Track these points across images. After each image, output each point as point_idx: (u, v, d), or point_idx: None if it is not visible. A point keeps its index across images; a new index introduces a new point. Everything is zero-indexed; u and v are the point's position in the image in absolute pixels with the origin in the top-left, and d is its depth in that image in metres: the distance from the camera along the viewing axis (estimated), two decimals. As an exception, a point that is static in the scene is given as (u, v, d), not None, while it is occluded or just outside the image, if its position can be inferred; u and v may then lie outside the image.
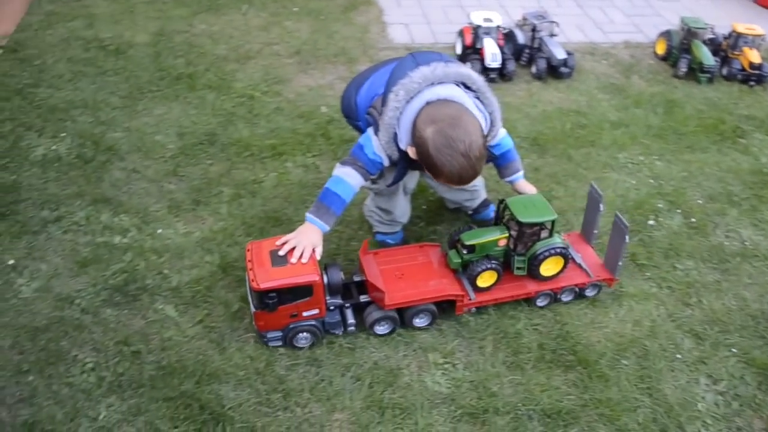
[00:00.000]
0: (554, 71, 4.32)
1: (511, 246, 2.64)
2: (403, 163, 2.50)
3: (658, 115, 4.01)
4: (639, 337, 2.62)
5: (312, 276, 2.35)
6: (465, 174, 2.30)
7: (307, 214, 2.51)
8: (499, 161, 2.82)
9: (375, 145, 2.45)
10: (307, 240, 2.44)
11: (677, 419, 2.34)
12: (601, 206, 2.70)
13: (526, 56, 4.41)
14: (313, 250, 2.42)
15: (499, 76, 4.26)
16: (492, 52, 4.19)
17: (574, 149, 3.65)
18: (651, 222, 3.17)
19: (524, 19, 4.49)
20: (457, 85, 2.43)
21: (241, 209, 3.08)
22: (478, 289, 2.63)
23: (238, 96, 3.89)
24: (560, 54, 4.28)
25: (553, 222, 2.61)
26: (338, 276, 2.51)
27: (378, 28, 4.83)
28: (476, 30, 4.31)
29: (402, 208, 2.91)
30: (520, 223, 2.56)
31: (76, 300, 2.63)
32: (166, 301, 2.65)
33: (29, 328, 2.53)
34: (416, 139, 2.31)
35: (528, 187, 2.85)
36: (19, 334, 2.51)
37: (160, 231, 2.96)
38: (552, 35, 4.43)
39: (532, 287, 2.67)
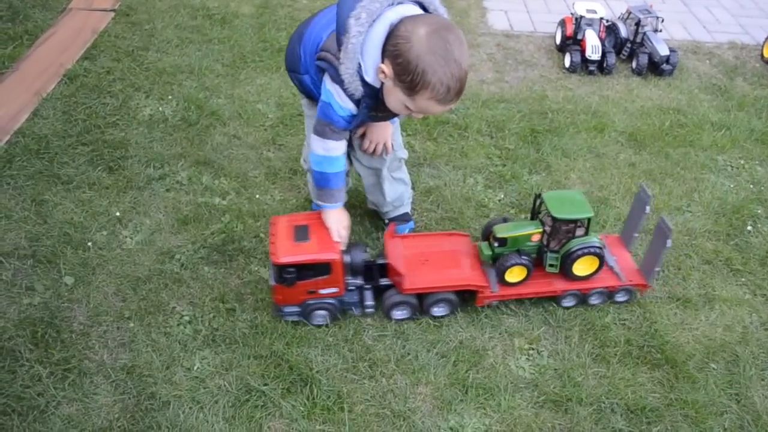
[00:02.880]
0: (655, 68, 4.23)
1: (545, 242, 2.58)
2: (366, 102, 2.23)
3: (761, 120, 3.88)
4: (730, 342, 2.57)
5: (332, 254, 2.36)
6: (453, 86, 2.03)
7: (319, 204, 2.46)
8: None
9: (339, 96, 2.22)
10: (339, 221, 2.43)
11: (765, 428, 2.29)
12: (647, 208, 2.60)
13: (627, 50, 4.32)
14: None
15: (598, 69, 4.19)
16: (593, 44, 4.13)
17: (672, 148, 3.58)
18: (749, 228, 3.09)
19: (628, 12, 4.40)
20: (415, 5, 2.17)
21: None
22: (506, 284, 2.57)
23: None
24: (663, 50, 4.18)
25: (589, 220, 2.53)
26: (360, 256, 2.50)
27: (478, 14, 4.82)
28: (578, 20, 4.25)
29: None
30: (554, 219, 2.49)
31: (176, 255, 2.75)
32: (261, 264, 2.73)
33: (132, 277, 2.66)
34: (401, 47, 2.01)
35: (383, 130, 2.60)
36: (122, 282, 2.64)
37: (257, 196, 3.05)
38: (656, 31, 4.33)
39: (559, 286, 2.60)
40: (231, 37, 4.25)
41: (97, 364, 2.36)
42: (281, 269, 2.34)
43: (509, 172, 3.29)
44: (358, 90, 2.17)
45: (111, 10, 4.43)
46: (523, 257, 2.53)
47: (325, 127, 2.30)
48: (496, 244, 2.56)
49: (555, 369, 2.43)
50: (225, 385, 2.30)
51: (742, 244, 3.00)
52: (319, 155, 2.36)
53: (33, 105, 3.51)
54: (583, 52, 4.17)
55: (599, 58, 4.14)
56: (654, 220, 2.73)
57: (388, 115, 2.38)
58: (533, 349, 2.50)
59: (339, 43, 2.12)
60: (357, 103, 2.23)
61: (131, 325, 2.49)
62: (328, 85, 2.24)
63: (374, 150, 2.63)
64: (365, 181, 2.84)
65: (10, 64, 3.83)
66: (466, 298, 2.58)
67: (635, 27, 4.30)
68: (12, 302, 2.54)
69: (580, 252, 2.52)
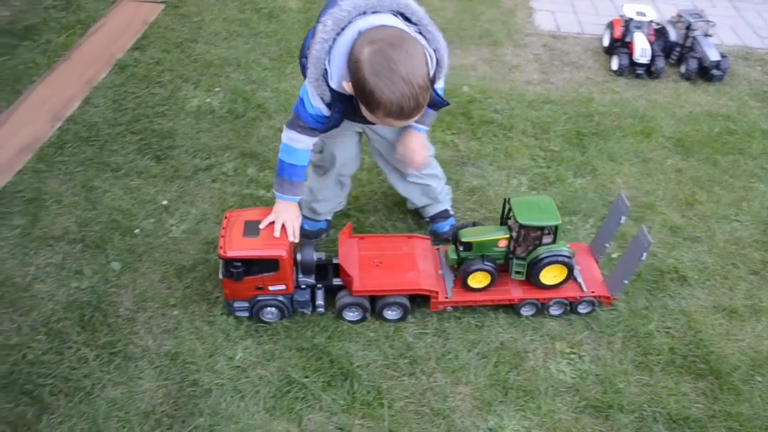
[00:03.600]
0: (705, 73, 4.15)
1: (511, 248, 2.52)
2: (338, 107, 2.19)
3: (814, 130, 3.80)
4: (777, 355, 2.52)
5: (279, 250, 2.34)
6: (406, 104, 1.97)
7: (275, 192, 2.43)
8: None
9: (311, 95, 2.20)
10: (287, 214, 2.41)
11: (811, 444, 2.25)
12: (623, 219, 2.54)
13: (677, 54, 4.26)
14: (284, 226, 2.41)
15: (646, 72, 4.13)
16: (642, 47, 4.07)
17: (721, 155, 3.52)
18: (798, 240, 3.03)
19: (679, 16, 4.33)
20: (395, 15, 2.12)
21: (380, 178, 3.14)
22: (470, 289, 2.53)
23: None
24: (714, 55, 4.11)
25: (556, 227, 2.46)
26: (311, 255, 2.47)
27: (524, 13, 4.78)
28: (627, 23, 4.20)
29: (323, 192, 2.76)
30: (520, 225, 2.43)
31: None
32: (305, 257, 2.75)
33: (177, 266, 2.70)
34: (351, 66, 2.01)
35: (414, 141, 2.52)
36: (167, 270, 2.68)
37: (302, 190, 3.07)
38: (706, 35, 4.26)
39: (516, 294, 2.54)
40: (278, 31, 4.29)
41: (141, 349, 2.40)
42: (228, 263, 2.34)
43: (554, 175, 3.27)
44: (326, 95, 2.16)
45: (161, 2, 4.49)
46: (486, 263, 2.48)
47: (295, 120, 2.30)
48: (461, 249, 2.52)
49: (596, 374, 2.41)
50: (266, 376, 2.33)
51: (791, 256, 2.94)
52: (283, 143, 2.36)
53: (84, 93, 3.58)
54: (631, 54, 4.12)
55: (648, 62, 4.09)
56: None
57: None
58: (575, 353, 2.48)
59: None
60: (329, 105, 2.21)
61: (175, 312, 2.53)
62: (306, 82, 2.23)
63: (418, 160, 2.56)
64: (390, 176, 2.81)
65: (62, 52, 3.91)
66: (419, 302, 2.54)
67: (685, 31, 4.23)
68: (61, 285, 2.59)
69: (547, 260, 2.47)
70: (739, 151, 3.56)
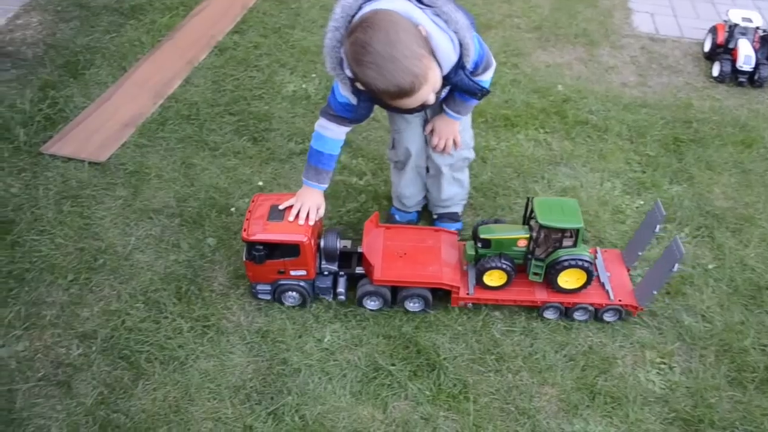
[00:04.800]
0: (812, 84, 3.99)
1: (530, 249, 2.46)
2: (365, 95, 2.15)
3: None
4: None
5: (301, 236, 2.34)
6: (401, 80, 1.92)
7: (303, 178, 2.45)
8: (458, 93, 2.38)
9: (339, 83, 2.22)
10: (311, 201, 2.41)
11: None
12: (658, 228, 2.45)
13: (783, 64, 4.10)
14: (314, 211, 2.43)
15: (748, 80, 3.99)
16: (746, 54, 3.93)
17: (826, 171, 3.37)
18: None
19: (788, 24, 4.17)
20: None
21: (472, 173, 3.12)
22: (485, 287, 2.48)
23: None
24: (823, 66, 3.94)
25: (578, 231, 2.39)
26: (334, 243, 2.47)
27: (622, 14, 4.67)
28: (732, 28, 4.06)
29: (408, 187, 2.75)
30: (541, 226, 2.37)
31: (312, 229, 2.82)
32: (395, 246, 2.77)
33: (269, 246, 2.75)
34: (349, 66, 2.02)
35: (449, 127, 2.51)
36: (260, 249, 2.73)
37: (393, 179, 3.09)
38: (816, 45, 4.08)
39: (540, 296, 2.49)
40: (374, 21, 4.30)
41: (234, 324, 2.46)
42: (251, 246, 2.37)
43: (649, 180, 3.19)
44: (346, 83, 2.14)
45: (260, -13, 4.57)
46: (503, 261, 2.43)
47: (326, 107, 2.33)
48: (479, 245, 2.48)
49: (687, 387, 2.35)
50: (354, 360, 2.36)
51: None
52: (315, 130, 2.38)
53: (185, 73, 3.69)
54: (734, 61, 3.98)
55: (751, 70, 3.95)
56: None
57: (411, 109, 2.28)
58: (665, 363, 2.42)
59: None
60: (356, 94, 2.19)
61: (268, 291, 2.58)
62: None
63: (444, 147, 2.57)
64: (431, 174, 2.78)
65: (166, 32, 4.03)
66: (440, 296, 2.51)
67: (794, 40, 4.07)
68: (159, 257, 2.69)
69: (566, 263, 2.41)
70: None
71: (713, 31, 4.20)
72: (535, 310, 2.53)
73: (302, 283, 2.48)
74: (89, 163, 3.08)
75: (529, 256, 2.47)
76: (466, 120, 2.62)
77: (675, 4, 4.91)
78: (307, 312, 2.51)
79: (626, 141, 3.46)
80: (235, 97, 3.53)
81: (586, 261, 2.41)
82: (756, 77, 3.98)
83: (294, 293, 2.50)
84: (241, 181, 3.03)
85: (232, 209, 2.89)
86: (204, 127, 3.32)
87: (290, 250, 2.38)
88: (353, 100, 2.22)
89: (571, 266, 2.41)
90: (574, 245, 2.42)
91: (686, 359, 2.44)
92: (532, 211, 2.44)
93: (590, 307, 2.49)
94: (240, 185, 3.01)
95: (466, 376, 2.33)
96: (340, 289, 2.51)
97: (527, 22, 4.47)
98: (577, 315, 2.52)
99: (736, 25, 4.05)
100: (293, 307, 2.52)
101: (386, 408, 2.24)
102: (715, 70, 4.04)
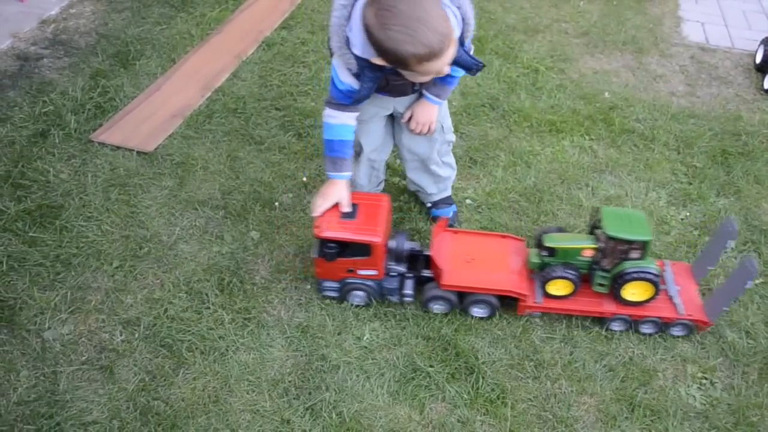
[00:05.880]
0: None
1: (596, 259, 2.42)
2: (368, 75, 2.14)
3: None
4: None
5: (374, 236, 2.33)
6: (431, 40, 1.90)
7: (327, 173, 2.42)
8: (439, 79, 2.33)
9: (339, 70, 2.19)
10: (334, 195, 2.40)
11: None
12: (731, 244, 2.40)
13: (836, 79, 4.01)
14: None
15: (800, 95, 3.92)
16: (800, 68, 3.86)
17: None
18: None
19: (844, 37, 4.07)
20: None
21: (515, 177, 3.13)
22: (548, 296, 2.46)
23: (523, 67, 3.92)
24: None
25: (646, 243, 2.34)
26: (404, 244, 2.46)
27: (672, 22, 4.61)
28: (786, 41, 3.99)
29: (360, 178, 2.72)
30: (608, 237, 2.33)
31: (354, 227, 2.83)
32: (435, 248, 2.77)
33: (311, 241, 2.76)
34: (368, 36, 1.96)
35: (428, 112, 2.48)
36: (302, 245, 2.76)
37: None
38: None
39: (609, 308, 2.45)
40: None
41: (274, 318, 2.48)
42: (323, 243, 2.36)
43: (695, 192, 3.15)
44: (352, 64, 2.11)
45: (309, -16, 4.60)
46: (568, 271, 2.40)
47: (329, 98, 2.31)
48: (544, 253, 2.45)
49: (729, 404, 2.32)
50: (392, 360, 2.36)
51: None
52: (324, 121, 2.36)
53: (233, 66, 3.72)
54: (787, 75, 3.91)
55: (804, 84, 3.87)
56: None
57: (405, 85, 2.30)
58: (707, 379, 2.39)
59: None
60: (357, 77, 2.17)
61: (308, 287, 2.60)
62: (333, 59, 2.21)
63: (424, 131, 2.55)
64: (410, 165, 2.76)
65: (215, 26, 4.07)
66: (507, 303, 2.49)
67: None
68: (203, 248, 2.72)
69: (633, 276, 2.37)
70: None
71: (766, 42, 4.12)
72: (576, 318, 2.51)
73: (370, 283, 2.48)
74: (137, 152, 3.13)
75: (595, 267, 2.45)
76: (445, 105, 2.61)
77: (726, 14, 4.83)
78: (347, 309, 2.52)
79: (673, 151, 3.41)
80: (282, 92, 3.56)
81: (653, 274, 2.37)
82: (808, 91, 3.90)
83: (361, 292, 2.50)
84: (285, 176, 3.05)
85: (276, 204, 2.91)
86: (250, 121, 3.35)
87: (362, 249, 2.38)
88: (355, 85, 2.20)
89: (637, 279, 2.38)
90: (641, 257, 2.39)
91: (728, 375, 2.41)
92: (599, 221, 2.42)
93: (659, 321, 2.47)
94: (284, 180, 3.03)
95: (504, 382, 2.32)
96: (408, 290, 2.50)
97: (575, 27, 4.43)
98: (645, 328, 2.49)
99: (789, 37, 3.98)
100: (334, 303, 2.53)
101: (423, 409, 2.24)
102: (767, 83, 3.97)
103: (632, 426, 2.23)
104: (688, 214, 3.04)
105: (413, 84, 2.36)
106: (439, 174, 2.78)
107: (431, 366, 2.35)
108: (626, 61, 4.14)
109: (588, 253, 2.42)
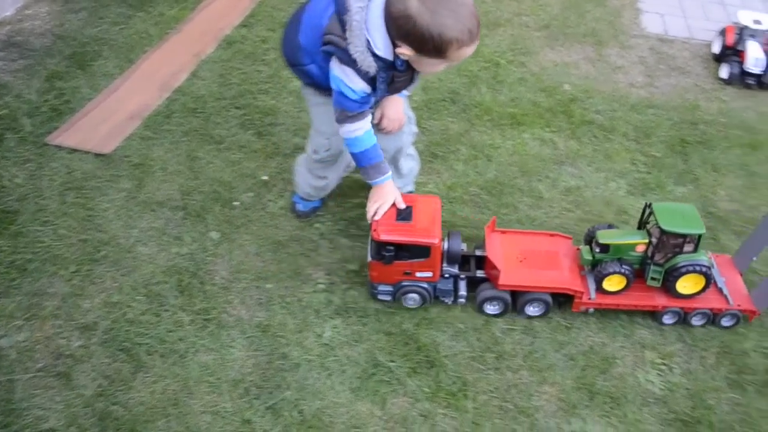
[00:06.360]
0: (821, 87, 3.96)
1: (649, 254, 2.47)
2: (382, 76, 2.17)
3: None
4: None
5: (432, 239, 2.33)
6: (473, 24, 1.99)
7: (369, 182, 2.41)
8: None
9: (350, 78, 2.16)
10: (387, 196, 2.40)
11: None
12: None
13: (791, 67, 4.07)
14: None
15: (757, 83, 3.97)
16: (755, 56, 3.91)
17: (834, 174, 3.36)
18: None
19: (798, 26, 4.13)
20: None
21: (476, 170, 3.13)
22: (603, 291, 2.49)
23: (484, 60, 3.93)
24: (832, 70, 3.91)
25: (699, 236, 2.40)
26: (458, 245, 2.47)
27: (631, 14, 4.65)
28: (741, 30, 4.04)
29: (334, 180, 2.79)
30: (662, 231, 2.38)
31: (315, 224, 2.83)
32: (397, 243, 2.77)
33: (272, 240, 2.76)
34: (404, 25, 1.99)
35: (398, 107, 2.54)
36: (263, 244, 2.75)
37: (396, 176, 3.09)
38: (826, 48, 4.05)
39: (660, 301, 2.49)
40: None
41: (235, 318, 2.47)
42: (380, 246, 2.35)
43: (654, 181, 3.18)
44: (372, 66, 2.11)
45: (269, -19, 4.57)
46: (624, 266, 2.43)
47: (341, 114, 2.26)
48: (597, 250, 2.48)
49: (687, 388, 2.35)
50: (353, 356, 2.36)
51: None
52: (348, 138, 2.33)
53: (192, 66, 3.69)
54: (742, 63, 3.96)
55: (761, 72, 3.92)
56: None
57: (405, 81, 2.30)
58: (665, 364, 2.42)
59: (342, 24, 2.07)
60: (371, 80, 2.17)
61: (269, 286, 2.59)
62: (335, 70, 2.18)
63: (396, 128, 2.57)
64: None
65: (174, 25, 4.03)
66: (561, 301, 2.52)
67: (804, 42, 4.04)
68: (162, 250, 2.69)
69: (686, 269, 2.41)
70: None
71: (723, 33, 4.17)
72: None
73: (425, 285, 2.47)
74: (94, 154, 3.08)
75: (648, 261, 2.48)
76: (407, 99, 2.64)
77: (685, 5, 4.88)
78: (308, 307, 2.51)
79: (632, 141, 3.44)
80: (242, 90, 3.53)
81: (706, 266, 2.41)
82: (764, 79, 3.95)
83: (415, 295, 2.49)
84: (245, 175, 3.03)
85: (236, 203, 2.89)
86: (210, 120, 3.32)
87: (420, 251, 2.37)
88: (368, 89, 2.20)
89: (691, 272, 2.41)
90: (695, 251, 2.43)
91: (686, 360, 2.44)
92: (648, 216, 2.46)
93: (709, 312, 2.50)
94: (244, 179, 3.01)
95: (465, 374, 2.33)
96: (462, 292, 2.51)
97: (536, 20, 4.45)
98: (695, 320, 2.52)
99: (746, 27, 4.03)
100: (294, 301, 2.52)
101: (385, 404, 2.24)
102: (724, 72, 4.02)
103: (592, 413, 2.25)
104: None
105: (411, 80, 2.33)
106: (406, 164, 2.79)
107: (392, 361, 2.35)
108: (586, 53, 4.17)
109: (641, 249, 2.47)
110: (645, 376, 2.38)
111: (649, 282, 2.50)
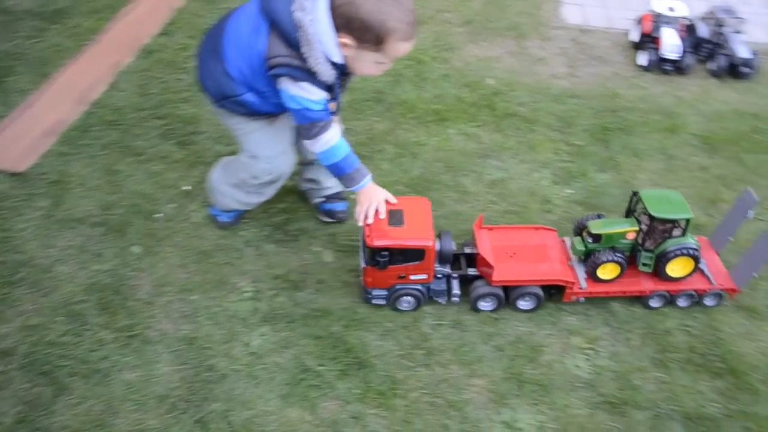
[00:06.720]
0: (734, 70, 4.08)
1: (640, 241, 2.54)
2: (338, 82, 2.22)
3: None
4: (798, 357, 2.48)
5: (426, 241, 2.34)
6: (412, 18, 2.08)
7: (353, 189, 2.40)
8: None
9: (309, 92, 2.16)
10: (376, 197, 2.39)
11: (831, 448, 2.22)
12: (751, 213, 2.54)
13: (706, 51, 4.18)
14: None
15: (674, 68, 4.07)
16: (672, 43, 4.00)
17: (748, 153, 3.46)
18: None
19: (710, 12, 4.26)
20: None
21: (402, 168, 3.14)
22: (597, 280, 2.55)
23: (407, 58, 3.92)
24: (744, 52, 4.03)
25: (687, 221, 2.48)
26: (450, 245, 2.49)
27: (551, 6, 4.72)
28: (657, 18, 4.14)
29: (270, 195, 2.69)
30: (651, 218, 2.45)
31: (240, 232, 2.80)
32: (324, 246, 2.76)
33: (197, 251, 2.71)
34: (348, 13, 2.02)
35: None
36: (187, 255, 2.70)
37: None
38: (737, 32, 4.18)
39: (647, 286, 2.56)
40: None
41: (159, 333, 2.42)
42: (374, 252, 2.34)
43: (577, 169, 3.24)
44: (331, 75, 2.14)
45: (188, -12, 4.50)
46: (617, 254, 2.50)
47: (312, 129, 2.25)
48: (589, 240, 2.54)
49: (613, 371, 2.39)
50: (282, 363, 2.34)
51: (817, 258, 2.88)
52: (324, 151, 2.31)
53: (110, 77, 3.61)
54: (658, 50, 4.06)
55: (677, 58, 4.02)
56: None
57: (346, 84, 2.36)
58: (592, 348, 2.46)
59: (291, 42, 2.08)
60: (329, 88, 2.19)
61: (194, 297, 2.55)
62: (291, 90, 2.17)
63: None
64: (313, 162, 2.74)
65: (91, 36, 3.93)
66: (552, 293, 2.56)
67: (716, 27, 4.16)
68: (82, 267, 2.62)
69: (676, 252, 2.49)
70: (767, 150, 3.49)
71: (639, 21, 4.27)
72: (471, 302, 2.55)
73: (419, 287, 2.47)
74: (9, 173, 2.99)
75: (639, 248, 2.55)
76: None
77: (604, -5, 4.98)
78: (234, 317, 2.48)
79: (555, 132, 3.50)
80: (162, 100, 3.47)
81: (695, 249, 2.49)
82: (681, 65, 4.05)
83: (410, 298, 2.49)
84: (167, 186, 2.98)
85: (158, 215, 2.84)
86: (129, 132, 3.25)
87: (414, 254, 2.36)
88: (328, 96, 2.21)
89: (681, 255, 2.49)
90: (683, 234, 2.51)
91: (612, 343, 2.48)
92: (636, 204, 2.54)
93: (694, 293, 2.58)
94: (166, 190, 2.96)
95: (395, 373, 2.33)
96: (456, 291, 2.52)
97: (459, 16, 4.48)
98: (680, 301, 2.60)
99: (661, 14, 4.13)
100: (220, 311, 2.49)
101: (315, 409, 2.22)
102: (642, 59, 4.12)
103: (522, 402, 2.28)
104: (571, 191, 3.12)
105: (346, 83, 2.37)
106: None
107: (322, 365, 2.34)
108: (508, 46, 4.22)
109: (631, 236, 2.53)
110: (572, 362, 2.41)
111: (641, 267, 2.58)
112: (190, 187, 2.98)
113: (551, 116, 3.59)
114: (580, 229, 2.63)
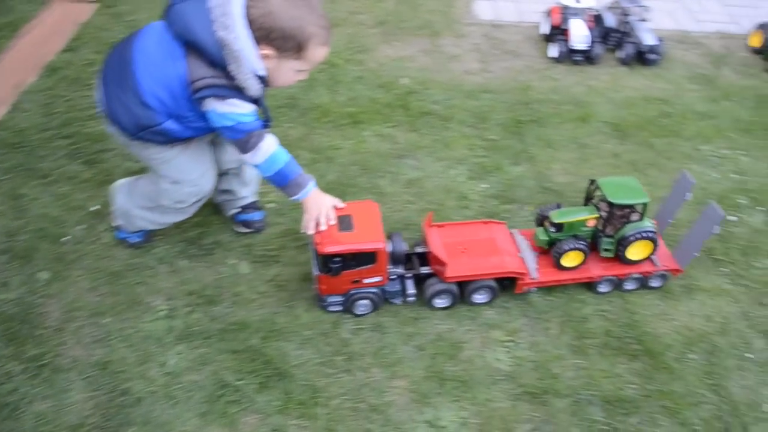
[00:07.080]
0: (642, 57, 4.20)
1: (600, 227, 2.61)
2: (263, 92, 2.22)
3: (747, 110, 3.86)
4: (709, 333, 2.56)
5: (377, 243, 2.35)
6: (327, 23, 2.13)
7: (296, 198, 2.37)
8: None
9: (238, 106, 2.15)
10: (323, 204, 2.38)
11: (742, 419, 2.29)
12: (689, 195, 2.62)
13: (614, 40, 4.29)
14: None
15: (584, 58, 4.16)
16: (581, 34, 4.09)
17: (657, 138, 3.55)
18: (732, 218, 3.07)
19: (616, 2, 4.36)
20: None
21: (318, 173, 3.09)
22: (562, 268, 2.60)
23: (321, 63, 3.91)
24: (649, 40, 4.15)
25: (644, 205, 2.56)
26: (402, 245, 2.51)
27: (463, 3, 4.77)
28: (565, 10, 4.22)
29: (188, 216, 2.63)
30: (610, 204, 2.52)
31: (153, 249, 2.73)
32: (239, 258, 2.71)
33: (108, 272, 2.64)
34: (267, 24, 2.02)
35: None
36: (98, 277, 2.62)
37: (236, 189, 3.02)
38: (642, 20, 4.30)
39: (595, 272, 2.63)
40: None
41: (71, 360, 2.34)
42: (327, 259, 2.32)
43: (492, 164, 3.27)
44: (258, 88, 2.15)
45: (94, 1, 4.38)
46: (580, 242, 2.55)
47: (249, 140, 2.22)
48: (552, 230, 2.59)
49: (533, 361, 2.42)
50: (199, 381, 2.29)
51: (724, 234, 2.98)
52: (264, 161, 2.28)
53: (12, 98, 3.48)
54: (568, 41, 4.14)
55: (586, 48, 4.11)
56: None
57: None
58: (511, 341, 2.48)
59: (215, 61, 2.05)
60: (255, 100, 2.20)
61: (106, 320, 2.47)
62: (220, 108, 2.14)
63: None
64: (230, 174, 2.73)
65: (-10, 57, 3.79)
66: (505, 284, 2.58)
67: (622, 17, 4.27)
68: (-14, 298, 2.52)
69: (635, 236, 2.55)
70: (675, 134, 3.60)
71: (548, 13, 4.35)
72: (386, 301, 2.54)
73: (374, 290, 2.46)
74: None
75: (600, 234, 2.61)
76: None
77: (514, -10, 5.06)
78: (149, 337, 2.41)
79: (470, 128, 3.52)
80: (68, 119, 3.36)
81: (653, 232, 2.57)
82: (590, 55, 4.15)
83: (366, 301, 2.48)
84: (74, 207, 2.88)
85: (66, 238, 2.75)
86: (33, 154, 3.14)
87: (366, 257, 2.35)
88: (255, 107, 2.21)
89: (640, 239, 2.56)
90: (641, 219, 2.57)
91: (531, 334, 2.51)
92: (594, 191, 2.61)
93: (641, 276, 2.65)
94: (74, 212, 2.86)
95: (315, 381, 2.30)
96: (411, 290, 2.52)
97: (371, 17, 4.49)
98: (628, 285, 2.66)
99: (568, 6, 4.21)
100: (134, 333, 2.42)
101: (235, 425, 2.18)
102: (553, 51, 4.19)
103: (444, 400, 2.28)
104: (487, 185, 3.15)
105: None
106: (251, 171, 2.75)
107: (240, 379, 2.29)
108: (422, 45, 4.24)
109: (591, 223, 2.60)
110: (493, 355, 2.43)
111: (603, 253, 2.64)
112: (99, 207, 2.89)
113: (465, 112, 3.62)
114: (541, 220, 2.68)
